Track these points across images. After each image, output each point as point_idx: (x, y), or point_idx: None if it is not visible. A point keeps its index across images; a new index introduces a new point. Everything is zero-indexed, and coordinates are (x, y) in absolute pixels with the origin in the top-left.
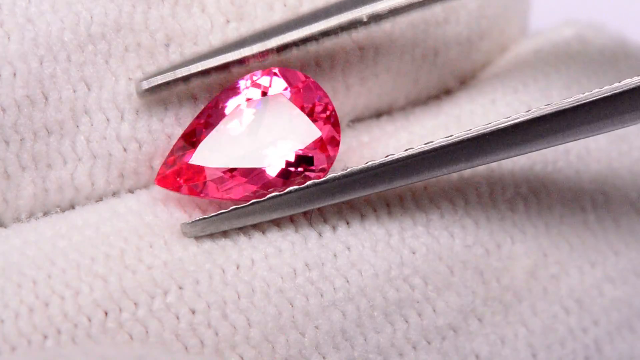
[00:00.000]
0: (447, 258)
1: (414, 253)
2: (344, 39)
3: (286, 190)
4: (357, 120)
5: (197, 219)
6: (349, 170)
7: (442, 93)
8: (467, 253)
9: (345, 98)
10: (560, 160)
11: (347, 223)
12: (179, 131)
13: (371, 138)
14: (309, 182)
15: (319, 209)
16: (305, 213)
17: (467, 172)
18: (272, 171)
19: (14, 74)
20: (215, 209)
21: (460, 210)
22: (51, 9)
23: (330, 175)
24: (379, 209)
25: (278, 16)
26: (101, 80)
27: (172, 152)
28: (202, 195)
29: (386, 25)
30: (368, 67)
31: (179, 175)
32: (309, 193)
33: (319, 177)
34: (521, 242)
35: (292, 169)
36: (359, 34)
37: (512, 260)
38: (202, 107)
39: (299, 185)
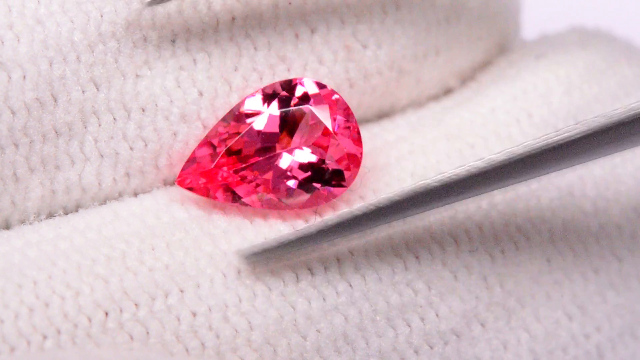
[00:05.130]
0: (451, 263)
1: (417, 257)
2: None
3: (354, 214)
4: (360, 121)
5: (257, 246)
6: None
7: (442, 93)
8: (471, 258)
9: (349, 95)
10: None
11: None
12: (184, 128)
13: (373, 147)
14: (383, 200)
15: (319, 214)
16: (307, 220)
17: None
18: (296, 184)
19: (24, 77)
20: (235, 213)
21: (462, 215)
22: (61, 9)
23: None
24: None
25: (283, 14)
26: (110, 80)
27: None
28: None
29: (389, 23)
30: (372, 63)
31: (204, 176)
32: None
33: (338, 194)
34: (525, 248)
35: (318, 185)
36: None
37: (516, 266)
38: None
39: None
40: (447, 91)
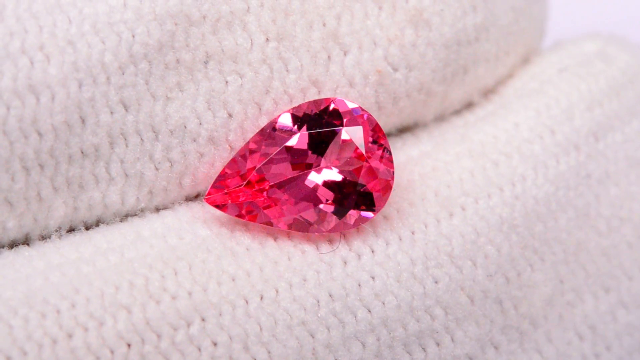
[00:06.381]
0: (469, 288)
1: (436, 283)
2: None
3: None
4: None
5: None
6: None
7: (464, 107)
8: (489, 282)
9: (376, 118)
10: (582, 185)
11: (372, 251)
12: (211, 150)
13: (396, 164)
14: None
15: (344, 235)
16: (331, 240)
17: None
18: (327, 207)
19: (53, 99)
20: (259, 230)
21: (483, 237)
22: (92, 30)
23: None
24: (403, 236)
25: (317, 36)
26: (140, 102)
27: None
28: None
29: (421, 45)
30: (401, 87)
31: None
32: None
33: (368, 219)
34: (540, 270)
35: (352, 209)
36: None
37: (530, 289)
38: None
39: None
40: (469, 105)
